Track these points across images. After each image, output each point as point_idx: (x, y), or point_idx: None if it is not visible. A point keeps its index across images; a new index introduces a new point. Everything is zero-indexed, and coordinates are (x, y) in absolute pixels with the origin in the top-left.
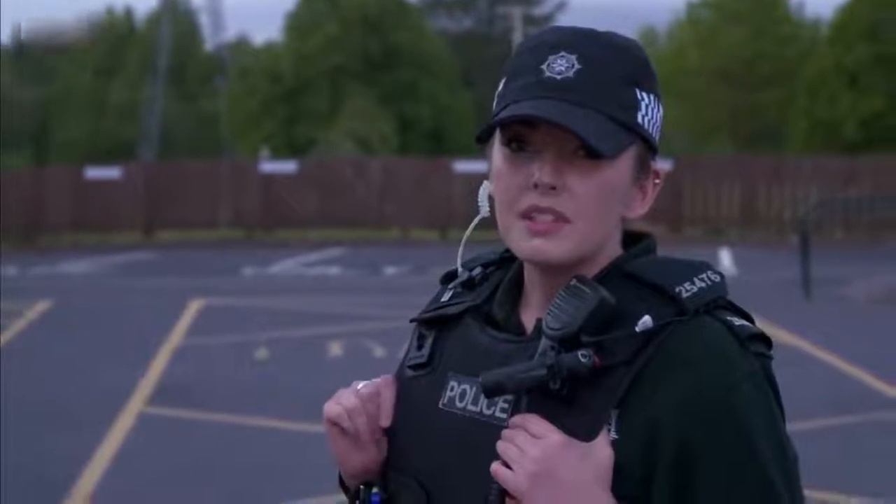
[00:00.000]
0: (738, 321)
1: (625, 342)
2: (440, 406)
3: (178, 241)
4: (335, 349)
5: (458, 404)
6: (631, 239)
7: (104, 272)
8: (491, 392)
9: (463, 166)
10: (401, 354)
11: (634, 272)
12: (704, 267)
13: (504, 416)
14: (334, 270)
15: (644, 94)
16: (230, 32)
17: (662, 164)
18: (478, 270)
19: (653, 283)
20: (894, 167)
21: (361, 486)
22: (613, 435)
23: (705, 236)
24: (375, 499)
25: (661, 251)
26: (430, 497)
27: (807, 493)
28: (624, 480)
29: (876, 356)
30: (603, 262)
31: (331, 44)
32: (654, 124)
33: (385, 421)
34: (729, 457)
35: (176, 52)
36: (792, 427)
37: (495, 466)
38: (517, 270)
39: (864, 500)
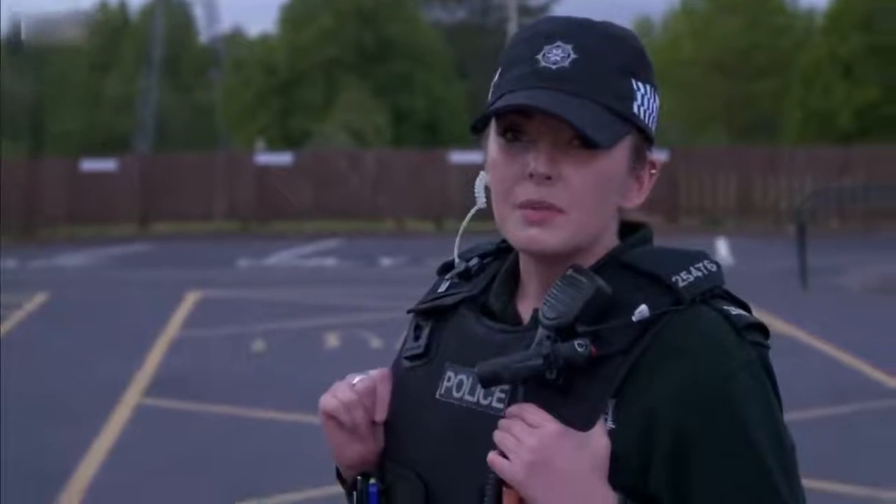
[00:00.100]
0: (734, 310)
1: (621, 332)
2: (437, 396)
3: (174, 232)
4: (331, 340)
5: (455, 394)
6: (627, 229)
7: (100, 264)
8: (487, 382)
9: (458, 157)
10: (397, 345)
11: (631, 262)
12: (701, 256)
13: (501, 406)
14: (330, 262)
15: (640, 84)
16: (225, 24)
17: (658, 155)
18: (474, 261)
19: (649, 272)
20: (888, 157)
21: (358, 478)
22: (610, 424)
23: (702, 226)
24: (373, 490)
25: (658, 241)
26: (428, 487)
27: (804, 482)
28: (621, 470)
29: (872, 345)
30: (599, 252)
31: (325, 36)
32: (650, 114)
33: (380, 416)
34: (725, 446)
35: (170, 44)
36: (788, 416)
37: (492, 456)
38: (514, 261)
39: (860, 488)
